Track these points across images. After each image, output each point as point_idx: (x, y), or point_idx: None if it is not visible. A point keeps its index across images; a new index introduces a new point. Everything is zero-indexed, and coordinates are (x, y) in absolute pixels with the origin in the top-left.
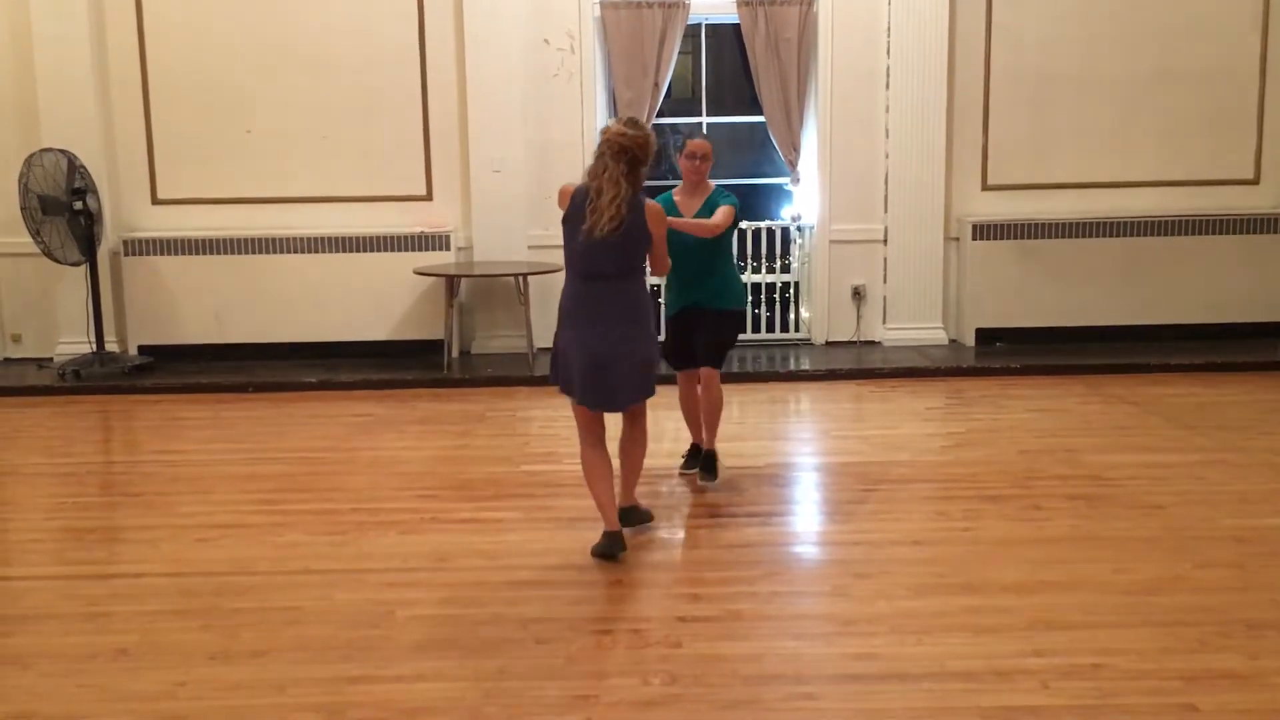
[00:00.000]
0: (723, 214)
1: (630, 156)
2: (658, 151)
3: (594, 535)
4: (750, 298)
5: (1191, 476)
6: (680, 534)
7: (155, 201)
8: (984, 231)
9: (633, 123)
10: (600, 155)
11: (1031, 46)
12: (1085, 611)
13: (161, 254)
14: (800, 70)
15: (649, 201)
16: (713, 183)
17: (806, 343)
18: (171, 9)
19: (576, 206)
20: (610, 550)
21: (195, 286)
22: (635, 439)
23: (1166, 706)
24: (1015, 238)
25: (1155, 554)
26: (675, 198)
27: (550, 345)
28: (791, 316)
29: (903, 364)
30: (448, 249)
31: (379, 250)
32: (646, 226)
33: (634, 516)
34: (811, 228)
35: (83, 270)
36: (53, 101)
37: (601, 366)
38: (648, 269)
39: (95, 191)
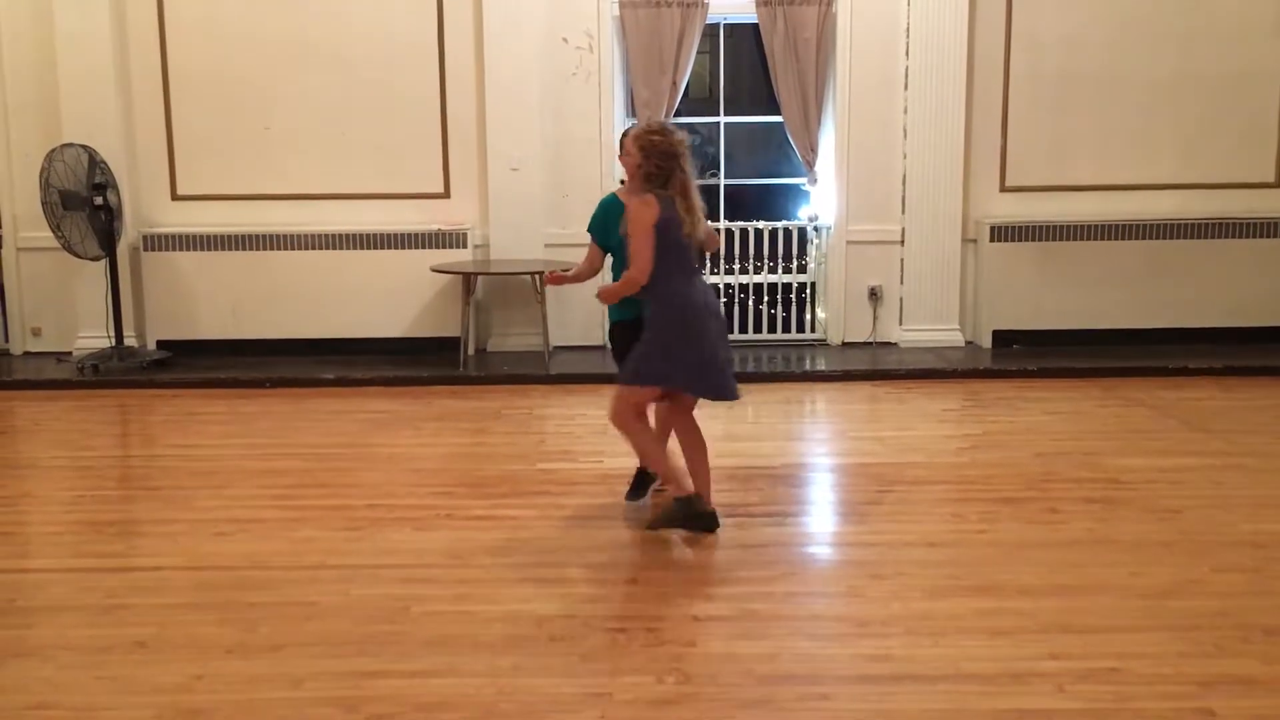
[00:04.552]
0: None
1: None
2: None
3: (608, 532)
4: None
5: (1209, 481)
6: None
7: (175, 197)
8: (1002, 233)
9: (661, 123)
10: (675, 165)
11: (1051, 48)
12: (1101, 615)
13: (180, 249)
14: (818, 70)
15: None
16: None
17: (822, 343)
18: (192, 5)
19: (670, 213)
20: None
21: (213, 282)
22: (693, 430)
23: (1183, 711)
24: (1033, 240)
25: (1172, 558)
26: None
27: (568, 344)
28: (808, 317)
29: (919, 365)
30: (465, 246)
31: (396, 247)
32: None
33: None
34: (829, 228)
35: (102, 265)
36: (74, 97)
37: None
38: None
39: (115, 187)
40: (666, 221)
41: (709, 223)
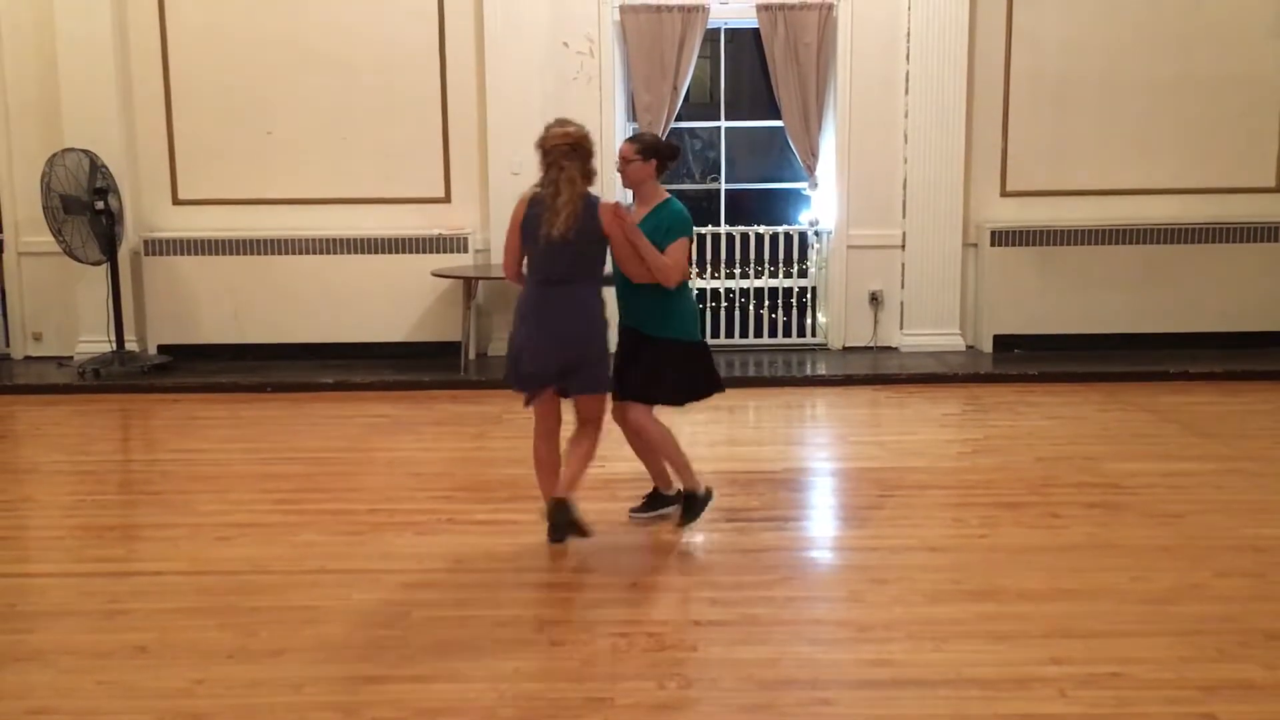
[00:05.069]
0: (675, 253)
1: (581, 151)
2: (678, 151)
3: (609, 537)
4: (765, 304)
5: (1210, 485)
6: (697, 538)
7: (176, 202)
8: (1002, 238)
9: (565, 121)
10: (551, 162)
11: (1051, 52)
12: (1103, 620)
13: (181, 254)
14: (819, 75)
15: (602, 200)
16: (665, 191)
17: (823, 348)
18: (194, 10)
19: (533, 213)
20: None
21: (214, 287)
22: (585, 435)
23: (1185, 715)
24: (1034, 244)
25: (1173, 562)
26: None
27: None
28: (808, 321)
29: (920, 370)
30: (465, 251)
31: (397, 252)
32: (600, 227)
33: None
34: (829, 232)
35: (103, 270)
36: (75, 101)
37: (560, 360)
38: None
39: (116, 191)
40: (527, 221)
41: (655, 251)
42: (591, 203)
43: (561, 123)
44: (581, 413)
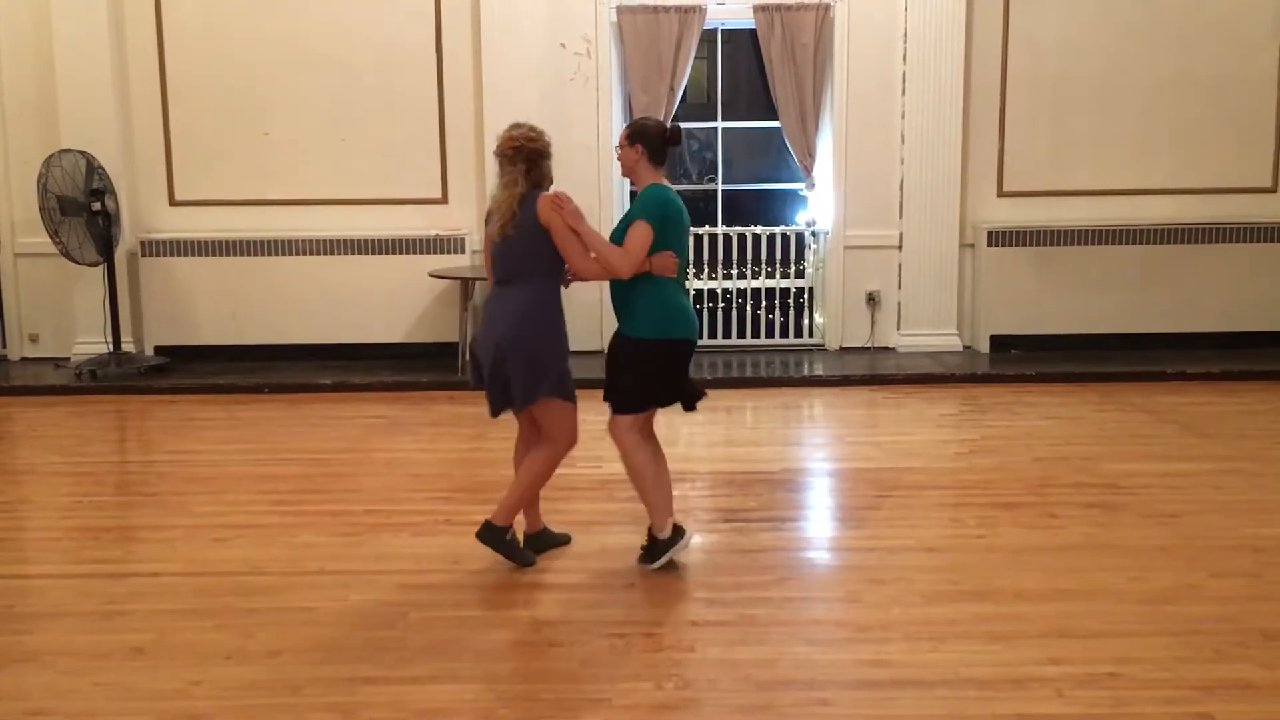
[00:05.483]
0: (629, 239)
1: (527, 153)
2: (666, 132)
3: (606, 538)
4: (766, 309)
5: (1208, 485)
6: (695, 539)
7: (173, 203)
8: (999, 238)
9: (518, 124)
10: (501, 167)
11: (1048, 53)
12: (1101, 620)
13: (178, 255)
14: (816, 75)
15: (543, 194)
16: (661, 178)
17: (820, 348)
18: (191, 11)
19: (488, 220)
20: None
21: (211, 288)
22: (534, 453)
23: (1182, 715)
24: (1031, 245)
25: (1171, 563)
26: None
27: (571, 350)
28: (805, 322)
29: (917, 370)
30: (463, 252)
31: (394, 253)
32: (536, 218)
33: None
34: (826, 233)
35: (100, 271)
36: (72, 103)
37: (495, 367)
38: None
39: (113, 192)
40: (486, 229)
41: (598, 238)
42: (531, 197)
43: (513, 126)
44: (539, 425)
